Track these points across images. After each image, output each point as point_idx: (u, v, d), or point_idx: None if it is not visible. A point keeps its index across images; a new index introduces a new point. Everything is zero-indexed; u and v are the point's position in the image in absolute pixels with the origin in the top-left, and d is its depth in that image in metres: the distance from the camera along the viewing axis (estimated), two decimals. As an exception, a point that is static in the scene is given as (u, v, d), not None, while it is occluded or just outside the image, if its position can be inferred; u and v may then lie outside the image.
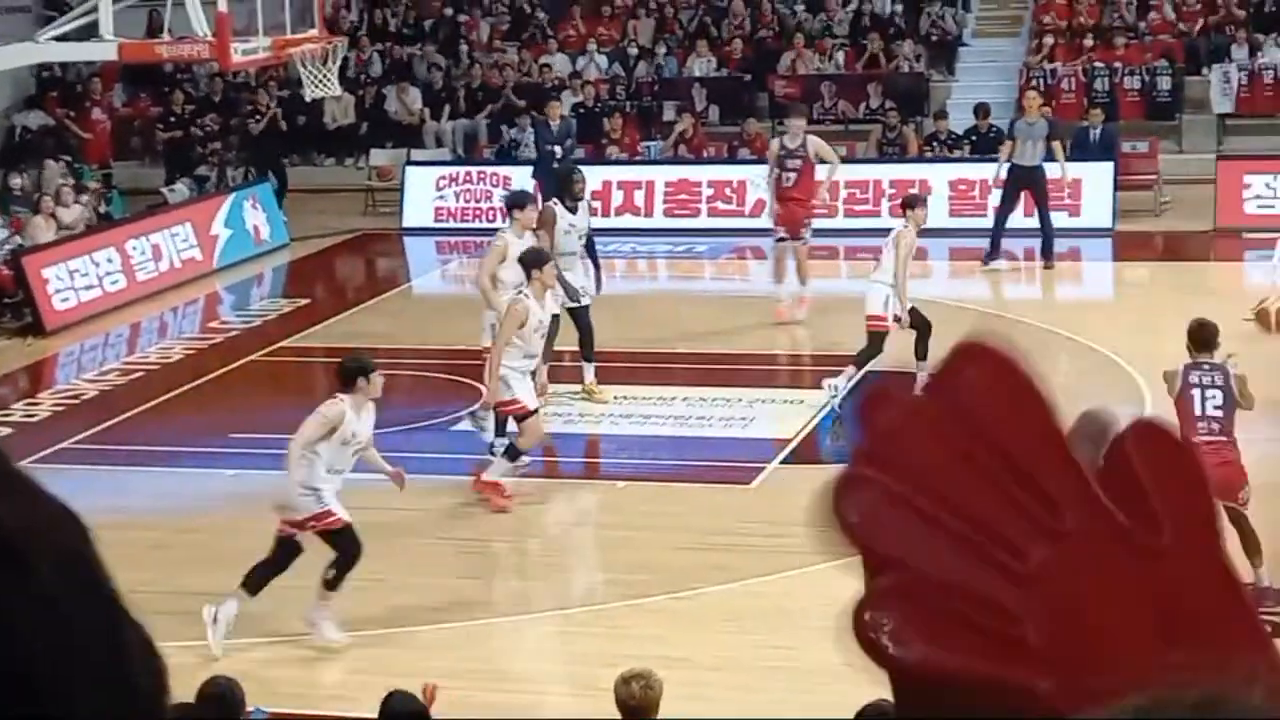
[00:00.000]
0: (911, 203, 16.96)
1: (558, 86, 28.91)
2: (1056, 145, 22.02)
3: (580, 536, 13.18)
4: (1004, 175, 21.88)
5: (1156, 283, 20.81)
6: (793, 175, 19.30)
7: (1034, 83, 27.82)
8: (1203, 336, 11.07)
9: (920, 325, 15.89)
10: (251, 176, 27.11)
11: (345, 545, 11.24)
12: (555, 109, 24.90)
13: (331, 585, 11.24)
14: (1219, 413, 10.75)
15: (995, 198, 22.33)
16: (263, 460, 15.18)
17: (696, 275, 23.04)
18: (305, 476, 11.29)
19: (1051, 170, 21.93)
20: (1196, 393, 10.75)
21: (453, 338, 19.44)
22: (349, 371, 11.55)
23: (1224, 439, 10.75)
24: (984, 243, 22.31)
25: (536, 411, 13.74)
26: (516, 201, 15.57)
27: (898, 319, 15.92)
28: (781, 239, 19.33)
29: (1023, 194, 21.85)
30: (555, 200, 16.62)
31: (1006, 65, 29.26)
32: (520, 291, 13.66)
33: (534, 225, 15.21)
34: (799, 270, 19.33)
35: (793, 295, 19.18)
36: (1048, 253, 22.01)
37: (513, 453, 13.78)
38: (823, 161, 19.56)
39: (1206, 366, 10.92)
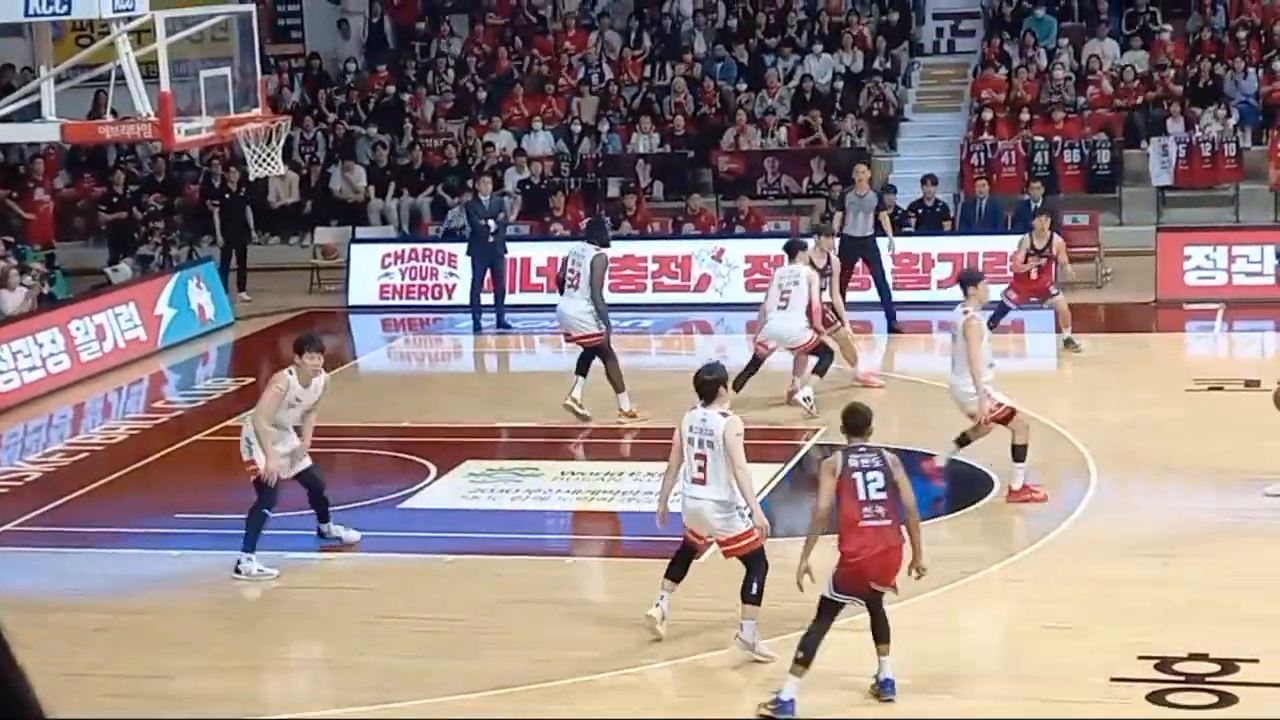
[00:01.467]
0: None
1: (502, 164, 29.04)
2: (884, 217, 22.53)
3: (528, 613, 13.14)
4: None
5: (1099, 354, 20.95)
6: None
7: (974, 157, 28.13)
8: (855, 423, 11.09)
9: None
10: (196, 256, 27.12)
11: (757, 561, 11.81)
12: (486, 184, 25.11)
13: (756, 600, 11.67)
14: (882, 495, 10.73)
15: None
16: (208, 540, 15.10)
17: (642, 350, 23.08)
18: (731, 496, 11.87)
19: (881, 243, 22.62)
20: (858, 476, 10.75)
21: (399, 415, 19.43)
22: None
23: (889, 523, 10.73)
24: (926, 315, 22.54)
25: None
26: (302, 347, 14.44)
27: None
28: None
29: (857, 265, 22.31)
30: (597, 246, 18.29)
31: (947, 140, 29.55)
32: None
33: (320, 371, 14.38)
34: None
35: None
36: (891, 320, 22.73)
37: (963, 440, 15.51)
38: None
39: (863, 449, 10.93)
